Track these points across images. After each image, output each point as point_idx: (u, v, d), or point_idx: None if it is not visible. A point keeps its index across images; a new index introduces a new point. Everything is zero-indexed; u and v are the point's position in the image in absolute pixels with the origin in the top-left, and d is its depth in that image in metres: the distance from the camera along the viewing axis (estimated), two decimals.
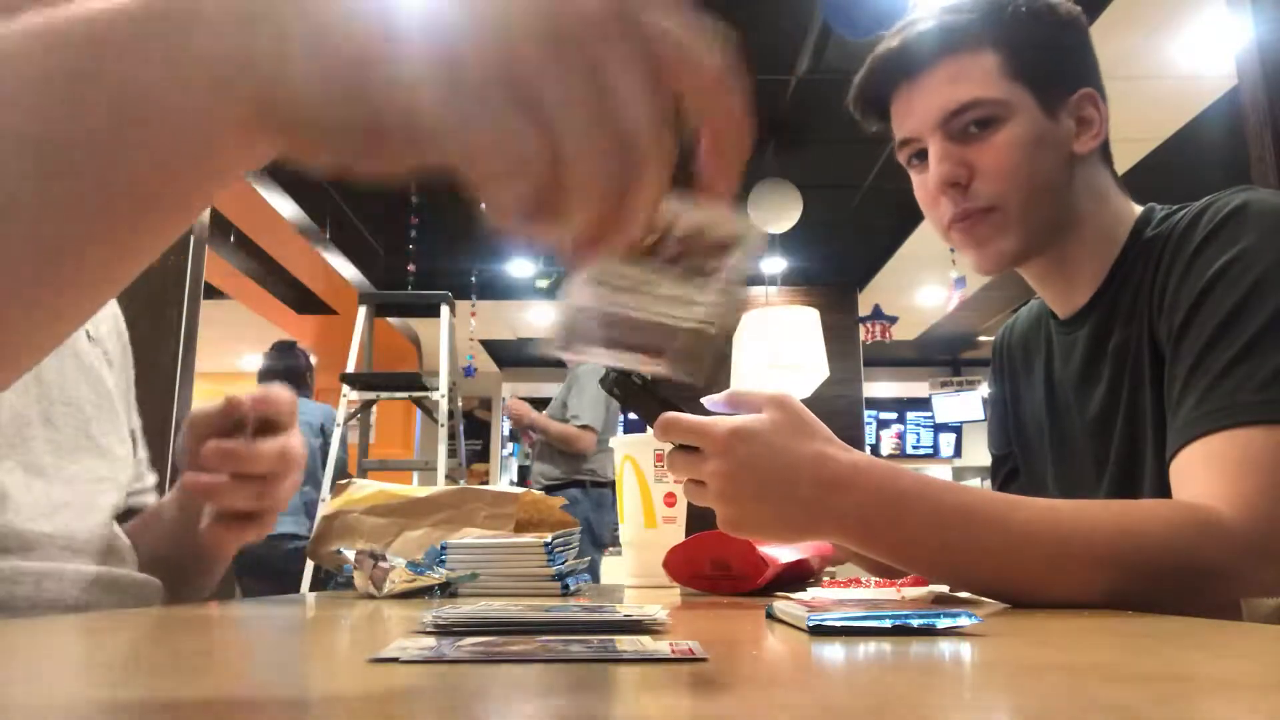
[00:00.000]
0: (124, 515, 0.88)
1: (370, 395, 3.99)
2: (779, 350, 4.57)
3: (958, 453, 9.60)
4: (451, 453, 4.01)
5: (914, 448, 9.65)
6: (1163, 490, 0.77)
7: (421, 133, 0.29)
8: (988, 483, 1.16)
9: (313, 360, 4.26)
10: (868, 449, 6.66)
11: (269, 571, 3.66)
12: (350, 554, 0.85)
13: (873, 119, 0.98)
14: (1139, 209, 0.93)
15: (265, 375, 4.07)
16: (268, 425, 0.77)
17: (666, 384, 0.75)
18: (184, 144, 0.33)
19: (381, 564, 0.81)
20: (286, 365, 4.06)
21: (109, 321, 0.87)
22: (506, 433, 3.98)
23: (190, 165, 0.33)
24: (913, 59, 0.91)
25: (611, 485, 4.32)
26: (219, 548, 0.82)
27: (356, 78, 0.30)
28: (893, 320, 6.95)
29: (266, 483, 0.75)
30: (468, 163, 0.29)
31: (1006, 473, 1.11)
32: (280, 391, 0.76)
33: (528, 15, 0.29)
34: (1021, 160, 0.88)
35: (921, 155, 0.93)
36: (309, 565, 3.58)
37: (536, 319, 7.90)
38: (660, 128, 0.31)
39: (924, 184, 0.93)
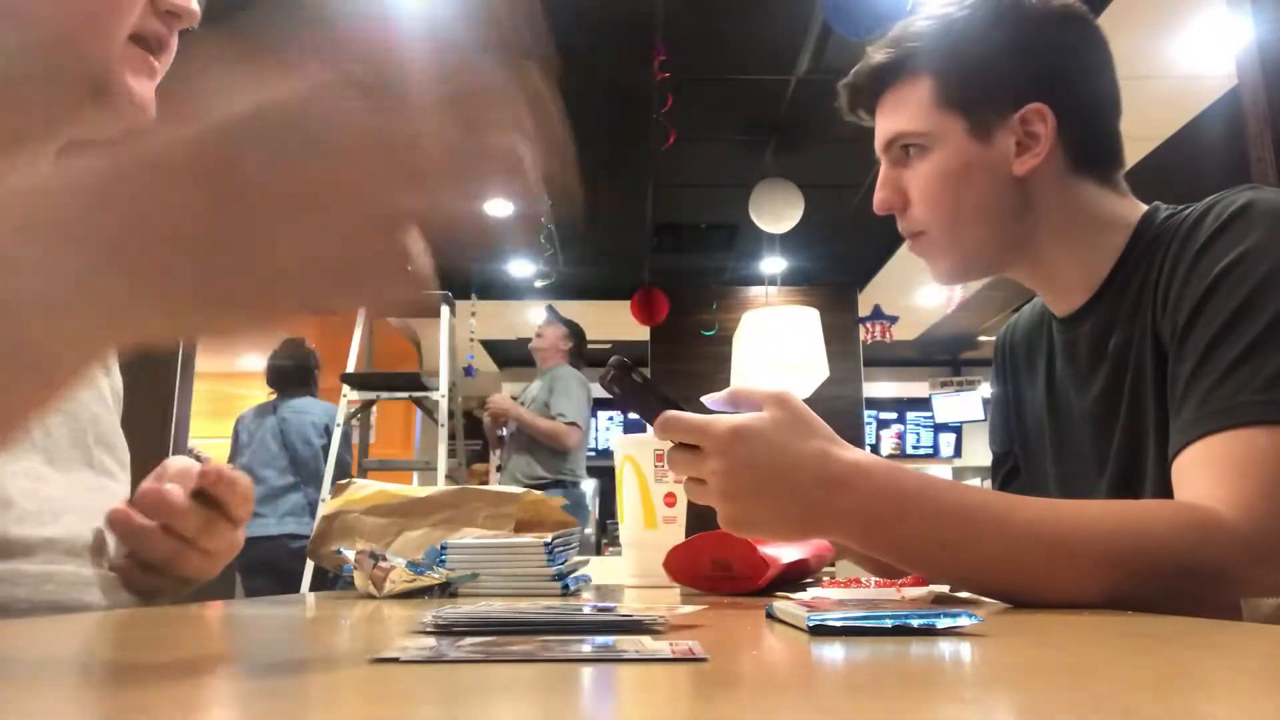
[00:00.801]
0: None
1: (370, 395, 3.99)
2: (779, 350, 4.57)
3: (958, 453, 9.60)
4: (451, 453, 4.01)
5: (914, 448, 9.65)
6: (1164, 490, 0.77)
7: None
8: (988, 482, 1.15)
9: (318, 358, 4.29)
10: (867, 449, 6.65)
11: (272, 571, 3.66)
12: (350, 554, 0.85)
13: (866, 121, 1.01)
14: (1142, 207, 0.92)
15: (274, 372, 4.08)
16: (215, 502, 0.74)
17: (666, 382, 0.75)
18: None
19: (381, 564, 0.81)
20: (298, 363, 4.10)
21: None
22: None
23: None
24: (867, 89, 0.96)
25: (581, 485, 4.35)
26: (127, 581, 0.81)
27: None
28: (893, 320, 6.95)
29: (184, 547, 0.72)
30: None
31: (1007, 471, 1.11)
32: (245, 484, 0.73)
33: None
34: (943, 190, 0.90)
35: None
36: (309, 565, 3.58)
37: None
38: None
39: None
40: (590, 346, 4.65)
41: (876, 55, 0.94)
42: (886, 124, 0.94)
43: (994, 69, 0.89)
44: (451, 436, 3.99)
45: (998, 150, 0.89)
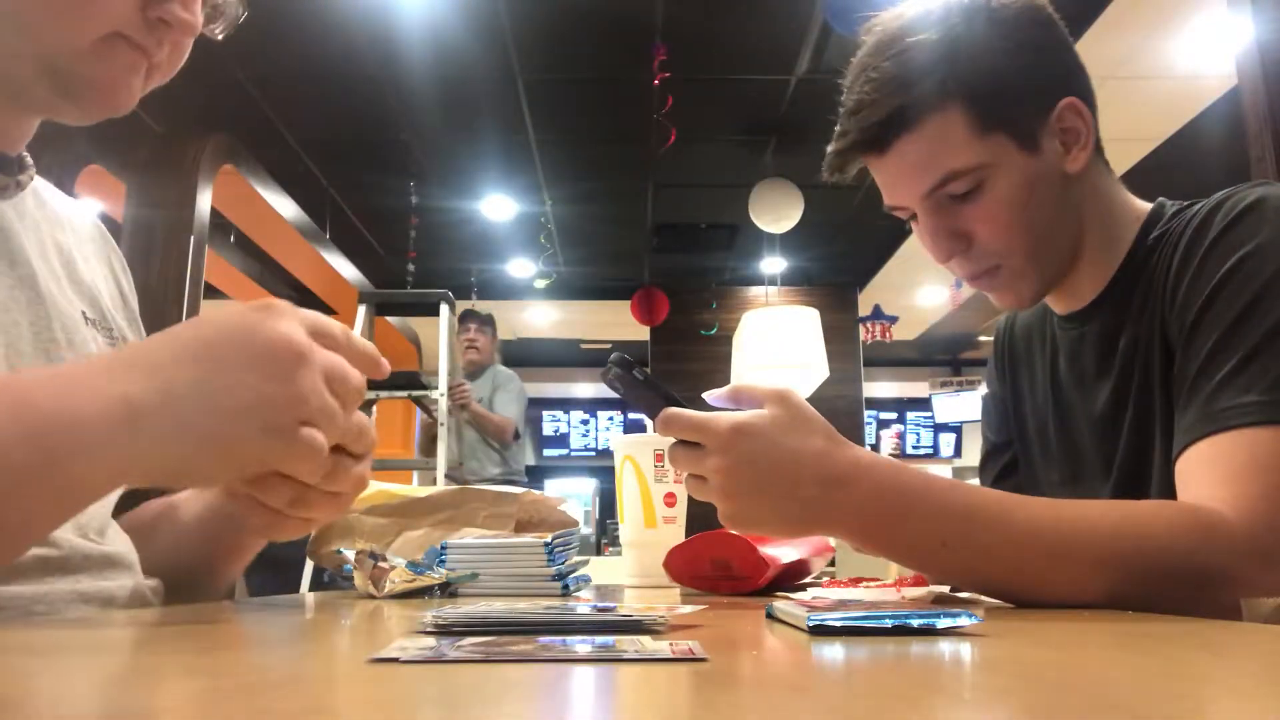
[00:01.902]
0: (130, 496, 0.84)
1: (370, 394, 3.99)
2: (779, 350, 4.57)
3: (958, 453, 9.60)
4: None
5: (914, 448, 9.66)
6: (1171, 490, 0.77)
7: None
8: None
9: None
10: (867, 448, 6.65)
11: (272, 565, 3.68)
12: (350, 554, 0.85)
13: (851, 177, 0.93)
14: (1144, 204, 0.91)
15: None
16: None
17: (666, 382, 0.75)
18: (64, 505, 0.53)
19: (381, 564, 0.81)
20: None
21: (108, 291, 0.84)
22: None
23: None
24: (875, 142, 0.86)
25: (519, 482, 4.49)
26: (239, 541, 0.81)
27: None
28: (893, 320, 6.95)
29: (305, 491, 0.68)
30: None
31: (1004, 465, 1.10)
32: (368, 427, 0.63)
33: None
34: (1015, 214, 0.85)
35: (915, 214, 0.90)
36: (309, 565, 3.58)
37: (536, 319, 7.90)
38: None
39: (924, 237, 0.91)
40: (590, 346, 4.68)
41: (876, 106, 0.84)
42: (923, 170, 0.85)
43: (1021, 75, 0.85)
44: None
45: (1048, 155, 0.86)
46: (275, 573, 3.66)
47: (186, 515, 0.84)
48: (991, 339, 1.15)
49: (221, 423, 0.51)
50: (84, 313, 0.77)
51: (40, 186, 0.79)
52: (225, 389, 0.51)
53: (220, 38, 0.75)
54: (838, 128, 0.89)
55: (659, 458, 1.10)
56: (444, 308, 4.06)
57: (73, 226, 0.83)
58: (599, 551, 7.41)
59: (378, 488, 1.04)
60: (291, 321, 0.53)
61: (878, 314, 6.93)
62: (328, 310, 6.90)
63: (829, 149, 0.90)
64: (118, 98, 0.68)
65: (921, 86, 0.83)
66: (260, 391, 0.51)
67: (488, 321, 4.56)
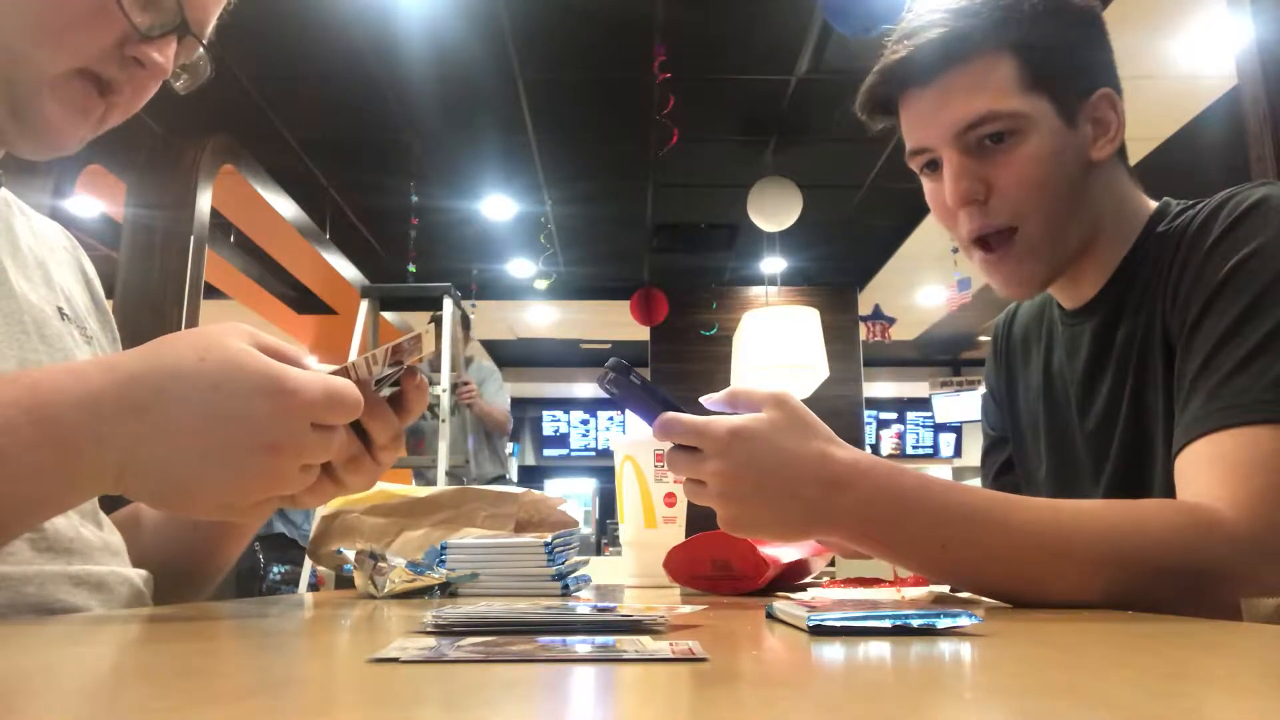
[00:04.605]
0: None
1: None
2: (779, 350, 4.57)
3: (958, 453, 9.61)
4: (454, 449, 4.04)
5: (914, 448, 9.66)
6: (1173, 488, 0.77)
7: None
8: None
9: None
10: (868, 449, 6.64)
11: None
12: (350, 554, 0.85)
13: (879, 120, 0.94)
14: (1153, 202, 0.92)
15: None
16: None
17: (666, 382, 0.75)
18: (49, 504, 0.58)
19: (381, 564, 0.81)
20: None
21: (80, 296, 0.85)
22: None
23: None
24: (925, 66, 0.86)
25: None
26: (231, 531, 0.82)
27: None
28: (891, 321, 6.95)
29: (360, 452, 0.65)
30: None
31: (1001, 464, 1.10)
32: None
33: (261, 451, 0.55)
34: (1041, 176, 0.85)
35: (934, 165, 0.90)
36: (308, 565, 3.58)
37: (536, 319, 7.90)
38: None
39: (937, 193, 0.90)
40: (590, 346, 4.68)
41: (933, 30, 0.85)
42: (966, 103, 0.85)
43: (1072, 51, 0.87)
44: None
45: (1080, 135, 0.87)
46: (231, 582, 3.68)
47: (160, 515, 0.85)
48: (991, 338, 1.15)
49: (195, 500, 0.57)
50: (59, 309, 0.78)
51: (9, 197, 0.81)
52: (203, 474, 0.55)
53: (182, 92, 0.78)
54: (885, 51, 0.89)
55: (659, 458, 1.10)
56: (447, 302, 4.05)
57: (42, 235, 0.85)
58: (599, 551, 7.42)
59: (378, 488, 1.04)
60: (297, 424, 0.55)
61: (877, 314, 6.93)
62: (328, 310, 6.92)
63: (871, 72, 0.90)
64: (65, 138, 0.69)
65: (981, 26, 0.85)
66: (232, 481, 0.55)
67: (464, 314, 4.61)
